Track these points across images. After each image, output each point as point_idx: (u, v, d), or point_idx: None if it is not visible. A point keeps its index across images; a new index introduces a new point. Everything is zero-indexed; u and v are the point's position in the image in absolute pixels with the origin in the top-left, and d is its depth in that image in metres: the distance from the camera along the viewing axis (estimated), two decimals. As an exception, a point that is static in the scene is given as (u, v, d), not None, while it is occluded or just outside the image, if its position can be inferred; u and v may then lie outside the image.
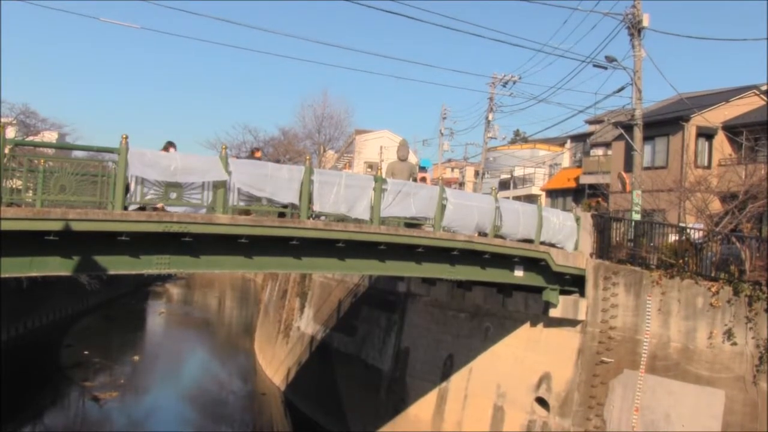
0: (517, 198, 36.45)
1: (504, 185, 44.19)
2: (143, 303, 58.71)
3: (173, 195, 10.52)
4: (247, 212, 11.68)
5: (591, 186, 32.75)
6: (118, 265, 10.58)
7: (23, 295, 34.30)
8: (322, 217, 12.49)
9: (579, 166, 38.53)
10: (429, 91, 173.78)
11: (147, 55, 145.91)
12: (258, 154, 15.96)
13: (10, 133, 34.47)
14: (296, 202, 11.75)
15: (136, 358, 37.32)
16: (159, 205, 10.58)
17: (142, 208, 10.46)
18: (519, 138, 63.09)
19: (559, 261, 15.98)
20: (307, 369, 28.85)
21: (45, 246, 9.45)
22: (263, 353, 36.95)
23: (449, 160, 62.58)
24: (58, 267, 9.96)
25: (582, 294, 16.46)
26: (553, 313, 16.42)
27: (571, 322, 16.38)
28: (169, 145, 12.36)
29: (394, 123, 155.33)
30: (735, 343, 13.29)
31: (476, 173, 48.69)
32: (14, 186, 9.88)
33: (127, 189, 9.93)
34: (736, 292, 13.52)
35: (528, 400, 16.82)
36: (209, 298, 66.38)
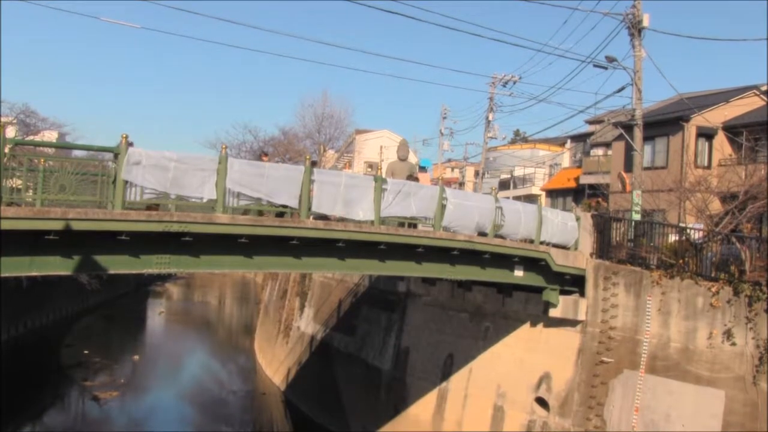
0: (517, 198, 36.43)
1: (504, 185, 44.16)
2: (143, 303, 58.72)
3: (173, 195, 10.53)
4: (246, 212, 11.66)
5: (591, 186, 32.73)
6: (118, 265, 10.58)
7: (23, 295, 34.30)
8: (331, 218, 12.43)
9: (579, 166, 38.52)
10: (429, 91, 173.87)
11: (147, 55, 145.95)
12: (265, 159, 15.75)
13: (10, 132, 34.45)
14: (294, 204, 11.70)
15: (136, 357, 37.32)
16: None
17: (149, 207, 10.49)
18: (519, 138, 63.08)
19: (559, 261, 15.98)
20: (307, 369, 28.85)
21: (45, 245, 9.45)
22: (263, 353, 36.96)
23: (449, 160, 62.54)
24: (58, 266, 9.95)
25: (582, 294, 16.46)
26: (553, 313, 16.43)
27: (571, 322, 16.38)
28: None
29: (394, 123, 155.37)
30: (735, 344, 13.30)
31: (476, 173, 48.67)
32: (14, 185, 9.87)
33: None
34: (736, 293, 13.53)
35: (528, 400, 16.82)
36: (209, 297, 66.38)
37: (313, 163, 13.34)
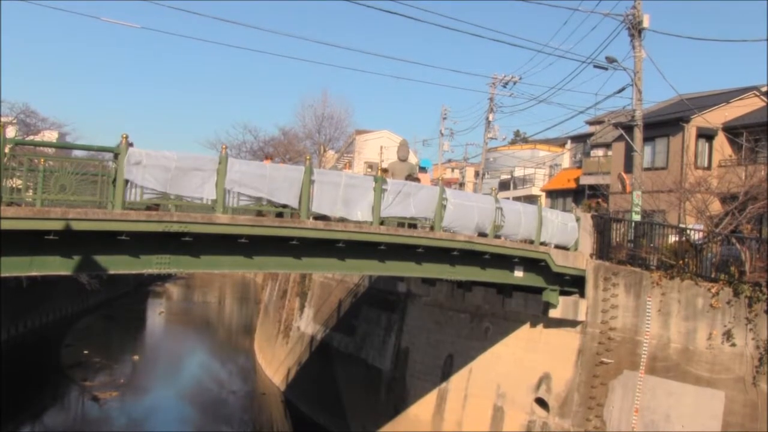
0: (517, 198, 36.44)
1: (504, 186, 44.17)
2: (143, 303, 58.72)
3: (173, 195, 10.53)
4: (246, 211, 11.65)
5: (591, 187, 32.75)
6: (118, 265, 10.58)
7: (23, 295, 34.31)
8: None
9: (579, 167, 38.53)
10: (429, 91, 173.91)
11: (147, 55, 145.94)
12: (268, 161, 15.77)
13: (11, 132, 34.48)
14: (294, 203, 11.72)
15: (136, 357, 37.33)
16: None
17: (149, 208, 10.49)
18: (519, 138, 63.16)
19: (558, 261, 15.98)
20: (307, 369, 28.86)
21: (45, 245, 9.45)
22: (263, 353, 36.96)
23: (449, 161, 62.56)
24: (58, 266, 9.95)
25: (582, 295, 16.46)
26: (553, 313, 16.43)
27: (571, 323, 16.38)
28: None
29: (394, 123, 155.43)
30: (734, 344, 13.29)
31: (476, 173, 48.68)
32: (14, 185, 9.88)
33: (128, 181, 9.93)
34: (736, 293, 13.52)
35: (528, 401, 16.82)
36: (209, 297, 66.37)
37: None
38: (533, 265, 15.98)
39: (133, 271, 11.21)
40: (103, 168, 10.44)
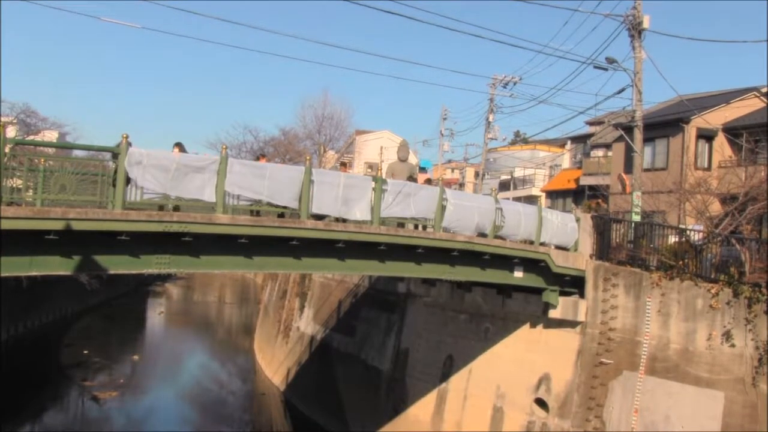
0: (517, 199, 36.43)
1: (504, 186, 44.16)
2: (143, 303, 58.71)
3: (173, 196, 10.54)
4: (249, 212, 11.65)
5: (591, 187, 32.74)
6: (118, 265, 10.59)
7: (23, 295, 34.30)
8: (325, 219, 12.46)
9: (579, 168, 38.53)
10: (429, 92, 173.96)
11: (147, 55, 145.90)
12: (263, 161, 15.77)
13: (11, 132, 34.52)
14: (294, 204, 11.73)
15: (136, 357, 37.34)
16: None
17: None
18: (519, 139, 63.12)
19: (558, 262, 15.99)
20: (306, 369, 28.86)
21: (45, 245, 9.46)
22: (263, 353, 36.97)
23: (449, 161, 62.59)
24: (58, 266, 9.97)
25: (582, 295, 16.47)
26: (553, 314, 16.43)
27: (571, 323, 16.38)
28: (176, 147, 12.42)
29: (394, 123, 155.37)
30: (734, 345, 13.30)
31: (476, 174, 48.66)
32: (14, 185, 9.89)
33: (128, 181, 9.93)
34: (736, 294, 13.53)
35: (527, 401, 16.82)
36: (209, 297, 66.39)
37: None
38: (533, 265, 15.99)
39: (133, 271, 11.23)
40: (104, 168, 10.45)
